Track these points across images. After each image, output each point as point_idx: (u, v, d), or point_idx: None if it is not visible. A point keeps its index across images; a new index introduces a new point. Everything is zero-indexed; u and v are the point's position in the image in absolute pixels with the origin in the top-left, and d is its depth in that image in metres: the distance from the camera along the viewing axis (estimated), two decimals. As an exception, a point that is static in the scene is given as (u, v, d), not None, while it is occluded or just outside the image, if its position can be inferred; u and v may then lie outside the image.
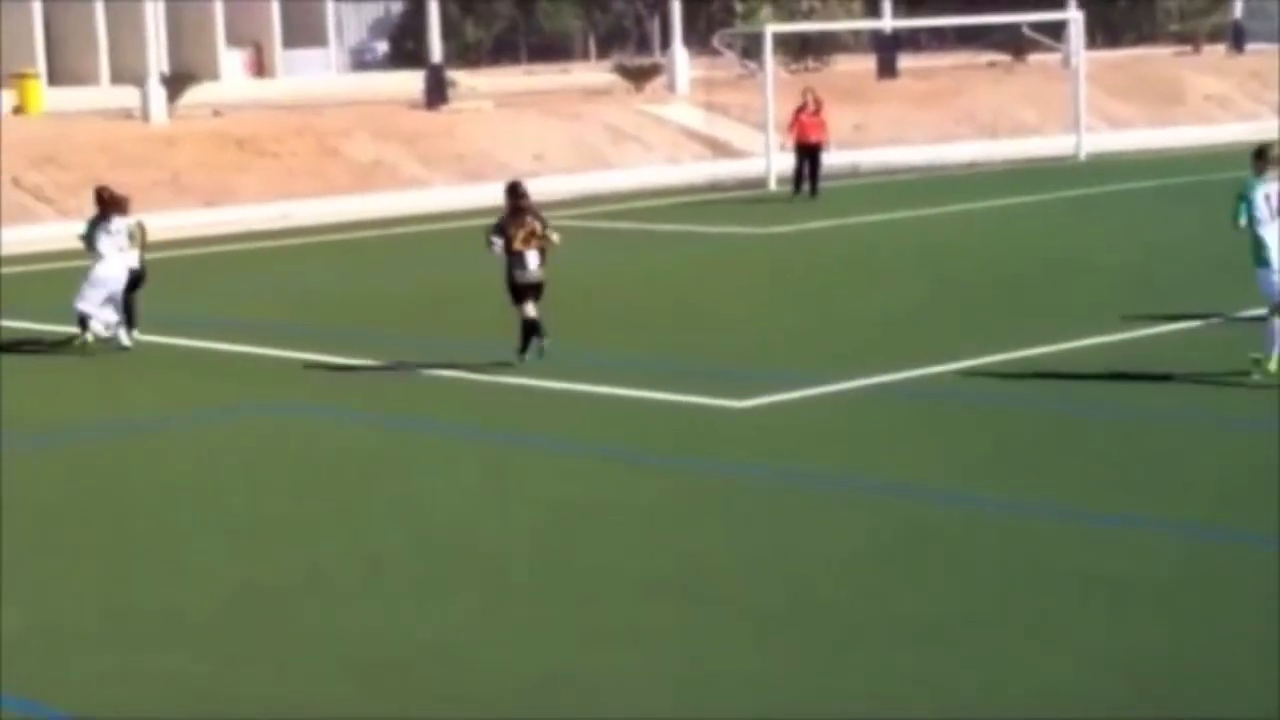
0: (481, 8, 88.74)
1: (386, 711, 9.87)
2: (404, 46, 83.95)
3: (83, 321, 21.26)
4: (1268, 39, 63.56)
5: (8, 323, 22.73)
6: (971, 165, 43.01)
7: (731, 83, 50.07)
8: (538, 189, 38.77)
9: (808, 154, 36.41)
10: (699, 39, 62.24)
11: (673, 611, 11.37)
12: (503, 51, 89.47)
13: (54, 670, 10.68)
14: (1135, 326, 20.04)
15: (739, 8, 67.46)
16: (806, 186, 36.36)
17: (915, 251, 28.25)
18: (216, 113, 46.68)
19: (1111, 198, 34.93)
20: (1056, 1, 57.10)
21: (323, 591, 12.00)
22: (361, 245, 31.66)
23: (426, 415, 17.34)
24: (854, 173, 41.31)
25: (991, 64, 62.78)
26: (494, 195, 37.55)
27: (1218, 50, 65.84)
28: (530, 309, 18.95)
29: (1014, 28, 56.71)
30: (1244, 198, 16.93)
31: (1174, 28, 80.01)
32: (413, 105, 47.24)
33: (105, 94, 58.88)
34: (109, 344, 21.03)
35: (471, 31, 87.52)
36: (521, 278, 18.90)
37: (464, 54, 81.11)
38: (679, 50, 51.53)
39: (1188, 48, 70.42)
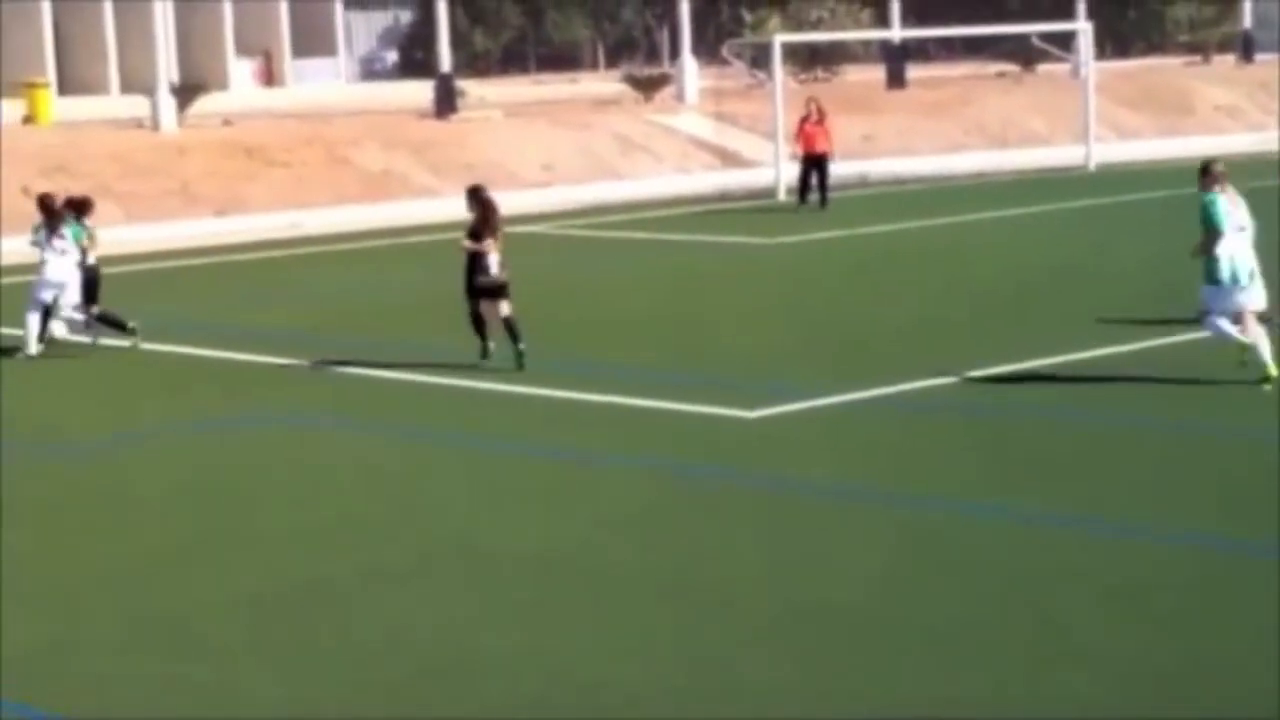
0: (491, 17, 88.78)
1: (398, 720, 9.90)
2: (413, 56, 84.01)
3: (88, 324, 21.60)
4: (1276, 49, 63.55)
5: (10, 330, 22.72)
6: (980, 175, 43.02)
7: (740, 92, 50.11)
8: (547, 199, 39.15)
9: (813, 164, 36.43)
10: (708, 49, 62.27)
11: (693, 618, 11.38)
12: (512, 61, 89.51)
13: (66, 679, 10.70)
14: (1146, 336, 20.03)
15: (748, 18, 67.48)
16: (815, 196, 36.38)
17: (924, 262, 28.26)
18: (226, 122, 46.74)
19: (1121, 208, 34.93)
20: (1066, 12, 57.21)
21: (337, 601, 12.02)
22: (371, 254, 31.69)
23: (438, 425, 17.36)
24: (863, 183, 41.33)
25: (1000, 74, 62.83)
26: (506, 205, 37.35)
27: (1227, 60, 65.90)
28: (505, 307, 19.50)
29: (1023, 38, 56.77)
30: (1213, 214, 17.12)
31: (1183, 38, 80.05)
32: (422, 115, 47.30)
33: (115, 103, 58.93)
34: (78, 345, 21.45)
35: (480, 41, 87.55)
36: (484, 280, 19.53)
37: (473, 63, 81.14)
38: (688, 60, 51.58)
39: (1197, 58, 70.50)
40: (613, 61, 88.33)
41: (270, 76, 78.05)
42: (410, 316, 23.94)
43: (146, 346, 21.69)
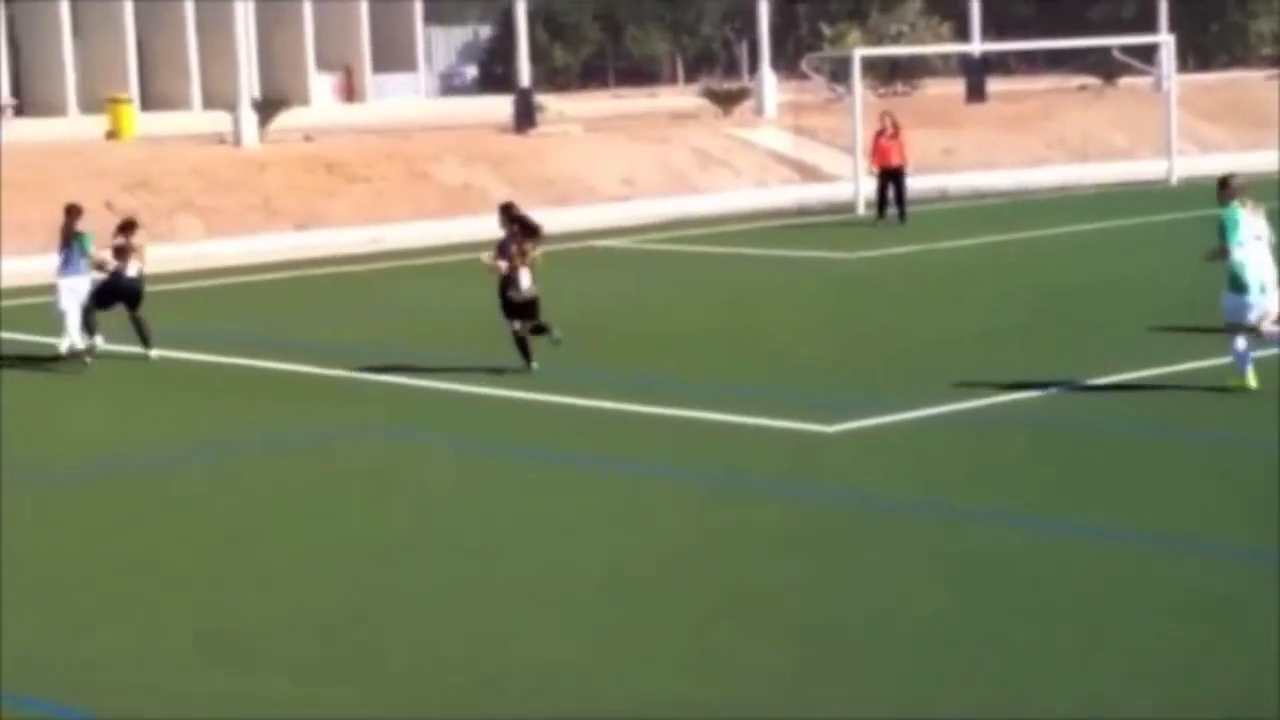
0: (570, 32, 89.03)
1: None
2: (492, 71, 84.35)
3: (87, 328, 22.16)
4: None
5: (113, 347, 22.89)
6: (1061, 190, 42.77)
7: (820, 107, 50.03)
8: (626, 213, 39.16)
9: (890, 177, 36.34)
10: (787, 63, 62.20)
11: (782, 640, 11.35)
12: (591, 76, 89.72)
13: (143, 691, 10.76)
14: (1225, 352, 19.84)
15: (827, 32, 67.35)
16: (893, 210, 36.27)
17: (1004, 276, 28.13)
18: (307, 137, 46.97)
19: (1204, 222, 34.50)
20: (1148, 25, 56.86)
21: (408, 615, 12.04)
22: (451, 269, 31.74)
23: (517, 439, 17.37)
24: (943, 197, 41.17)
25: (1082, 87, 62.47)
26: (584, 219, 37.90)
27: (1310, 73, 65.27)
28: (517, 324, 20.08)
29: (1104, 51, 56.39)
30: (1230, 222, 17.88)
31: (1266, 51, 79.43)
32: (501, 129, 47.42)
33: (197, 119, 59.37)
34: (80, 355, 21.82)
35: (560, 56, 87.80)
36: (516, 296, 20.04)
37: (552, 78, 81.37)
38: (767, 74, 51.51)
39: (1279, 71, 69.86)
40: (691, 76, 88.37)
41: (351, 92, 78.46)
42: (486, 331, 23.91)
43: (226, 360, 21.81)
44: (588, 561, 13.16)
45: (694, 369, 20.75)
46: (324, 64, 77.01)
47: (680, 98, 63.58)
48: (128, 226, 22.90)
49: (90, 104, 65.19)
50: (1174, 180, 43.00)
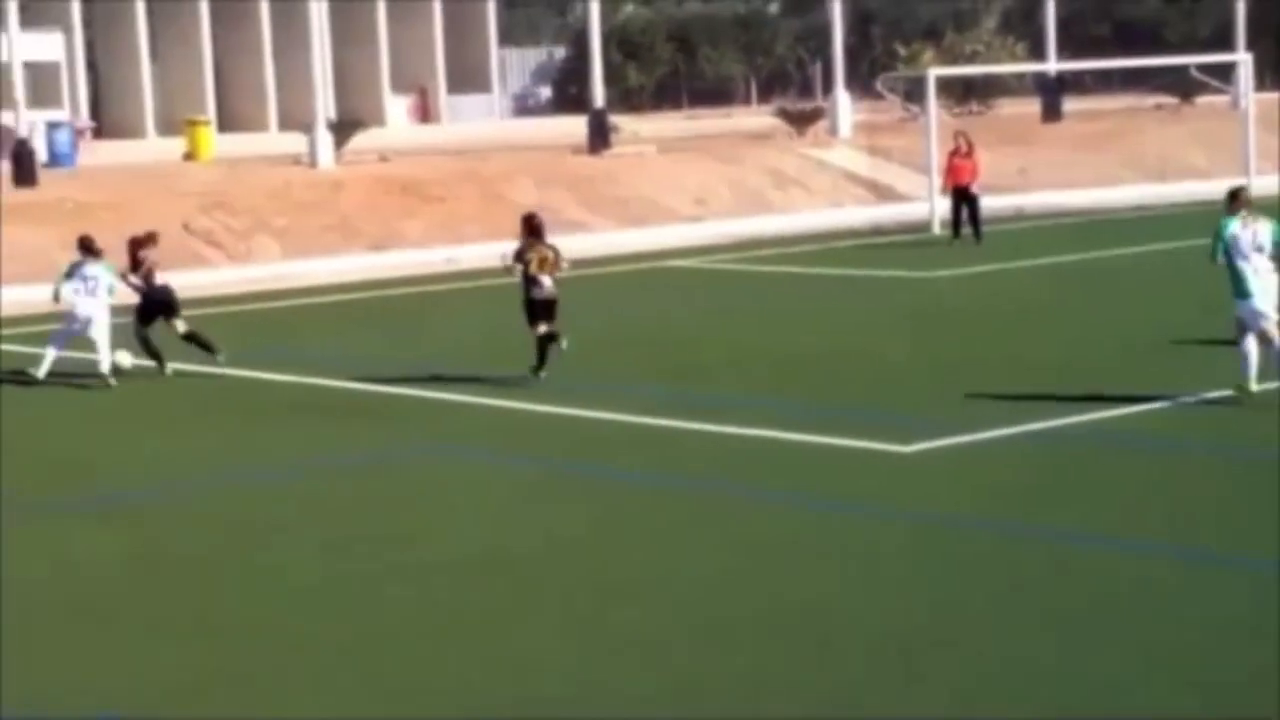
0: (644, 53, 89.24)
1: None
2: (567, 91, 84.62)
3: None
4: None
5: (185, 366, 23.04)
6: (1138, 209, 42.52)
7: (894, 126, 49.96)
8: (699, 233, 39.16)
9: (962, 197, 36.22)
10: (861, 83, 62.18)
11: (854, 655, 11.31)
12: (665, 96, 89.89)
13: (227, 712, 10.82)
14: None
15: (902, 51, 67.28)
16: (968, 230, 36.13)
17: (1080, 295, 27.97)
18: (383, 158, 47.22)
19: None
20: (1224, 43, 56.52)
21: (482, 634, 12.05)
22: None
23: (590, 458, 17.37)
24: (1018, 216, 41.00)
25: (1158, 106, 62.17)
26: (659, 239, 37.93)
27: (1390, 91, 64.71)
28: (543, 326, 20.83)
29: (1181, 69, 56.14)
30: (1220, 236, 18.65)
31: (1345, 68, 78.82)
32: (576, 150, 47.52)
33: (273, 140, 59.79)
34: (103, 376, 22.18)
35: (634, 76, 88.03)
36: (537, 295, 20.97)
37: (626, 99, 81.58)
38: (841, 94, 51.43)
39: (1359, 89, 69.28)
40: (765, 96, 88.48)
41: (426, 113, 78.86)
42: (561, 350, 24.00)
43: (307, 380, 21.91)
44: (665, 580, 13.13)
45: (767, 389, 20.71)
46: (399, 85, 77.42)
47: (754, 118, 63.62)
48: (144, 241, 23.07)
49: (168, 126, 65.79)
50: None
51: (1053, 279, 30.41)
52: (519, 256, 21.21)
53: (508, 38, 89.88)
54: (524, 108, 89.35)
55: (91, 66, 72.86)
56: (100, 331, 22.38)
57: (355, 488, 16.58)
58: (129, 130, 69.34)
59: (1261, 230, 18.70)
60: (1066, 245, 34.84)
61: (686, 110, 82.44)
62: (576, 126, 50.97)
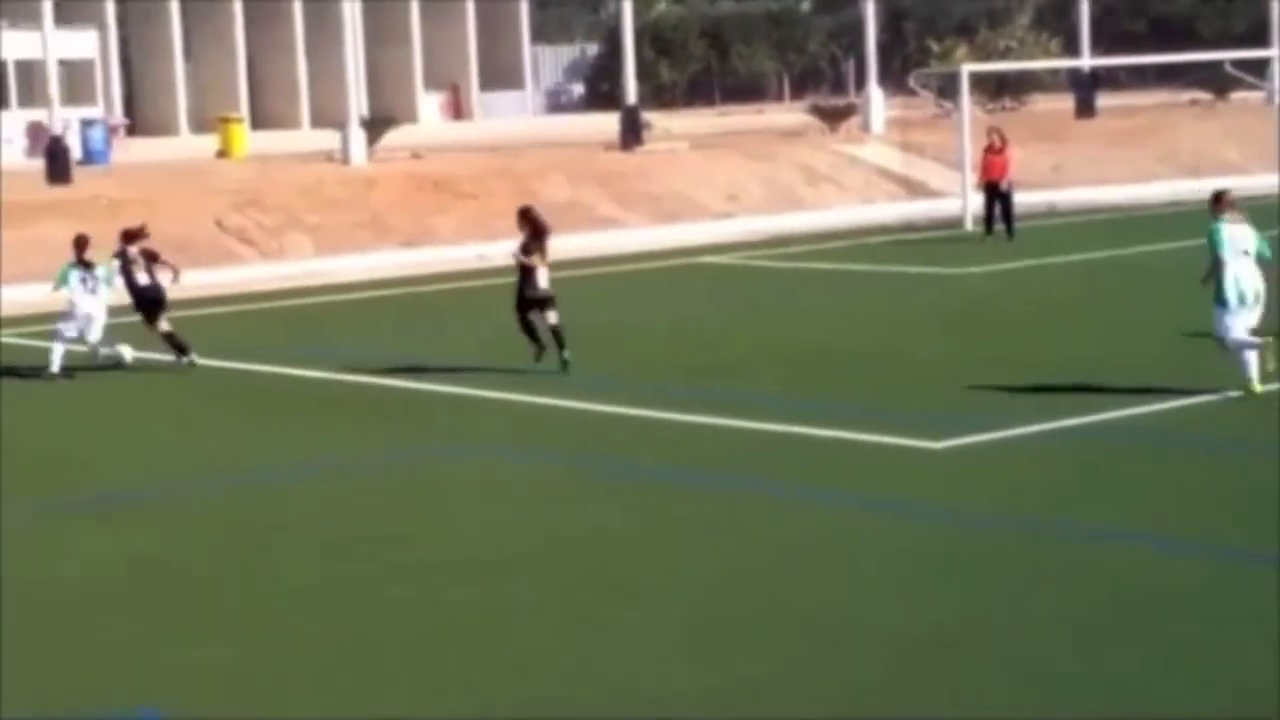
0: (676, 50, 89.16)
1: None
2: (599, 88, 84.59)
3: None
4: None
5: (214, 362, 23.08)
6: (1173, 204, 42.35)
7: (927, 123, 49.83)
8: (732, 229, 39.14)
9: (994, 193, 36.13)
10: (894, 79, 62.04)
11: (885, 652, 11.29)
12: (697, 93, 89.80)
13: (265, 708, 10.84)
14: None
15: (935, 48, 67.11)
16: (1000, 226, 36.03)
17: (1113, 292, 27.89)
18: (415, 155, 47.27)
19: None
20: (1259, 39, 56.26)
21: (511, 632, 12.05)
22: (557, 285, 31.83)
23: (622, 456, 17.35)
24: (1051, 212, 40.89)
25: (1193, 102, 61.93)
26: (690, 235, 37.92)
27: None
28: (552, 317, 21.43)
29: (1216, 65, 55.86)
30: (1218, 242, 18.49)
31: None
32: (608, 146, 47.51)
33: (306, 137, 59.89)
34: (107, 359, 22.56)
35: (666, 73, 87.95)
36: (532, 293, 21.53)
37: (658, 95, 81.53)
38: (874, 90, 51.34)
39: (1395, 84, 68.92)
40: (798, 92, 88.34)
41: (458, 110, 78.91)
42: (587, 346, 23.97)
43: (337, 377, 21.95)
44: (687, 578, 13.12)
45: (798, 384, 20.68)
46: (432, 82, 77.48)
47: (787, 114, 63.51)
48: (135, 233, 23.19)
49: (201, 123, 65.96)
50: (1287, 195, 42.45)
51: (1085, 275, 30.33)
52: (526, 251, 21.73)
53: (540, 35, 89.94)
54: (556, 104, 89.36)
55: (125, 64, 73.06)
56: (98, 331, 22.52)
57: (369, 486, 16.58)
58: (162, 127, 69.54)
59: (1249, 235, 18.65)
60: (1099, 241, 34.73)
61: (719, 107, 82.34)
62: (609, 123, 50.96)
